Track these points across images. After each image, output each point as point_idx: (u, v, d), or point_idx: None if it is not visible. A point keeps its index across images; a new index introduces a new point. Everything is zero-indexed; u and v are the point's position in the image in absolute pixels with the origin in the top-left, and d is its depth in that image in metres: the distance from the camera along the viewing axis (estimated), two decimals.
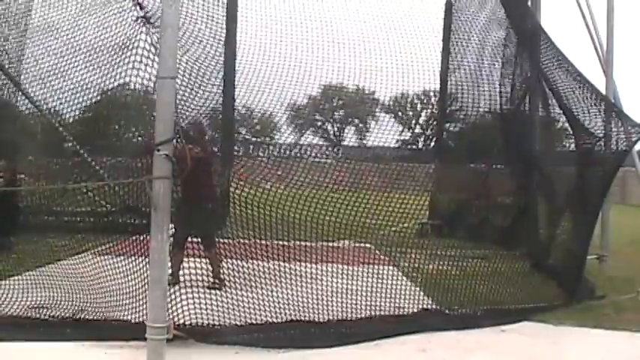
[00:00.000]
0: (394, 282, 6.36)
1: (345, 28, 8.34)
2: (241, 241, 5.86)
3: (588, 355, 5.42)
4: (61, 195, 8.18)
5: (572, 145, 7.62)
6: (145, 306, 4.74)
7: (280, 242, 5.98)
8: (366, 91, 11.46)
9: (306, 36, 8.12)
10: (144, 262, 5.01)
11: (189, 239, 6.68)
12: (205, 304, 5.26)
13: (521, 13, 7.63)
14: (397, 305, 6.13)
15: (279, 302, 5.65)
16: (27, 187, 8.78)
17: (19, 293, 5.74)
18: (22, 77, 7.29)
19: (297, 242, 6.10)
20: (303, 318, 5.57)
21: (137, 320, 5.00)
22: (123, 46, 5.86)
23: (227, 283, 6.19)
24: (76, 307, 5.43)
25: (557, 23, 7.41)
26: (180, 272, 6.39)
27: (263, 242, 5.88)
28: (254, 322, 5.38)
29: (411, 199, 6.75)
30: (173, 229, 5.68)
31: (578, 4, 9.11)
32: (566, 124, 7.47)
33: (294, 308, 5.64)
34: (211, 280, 6.44)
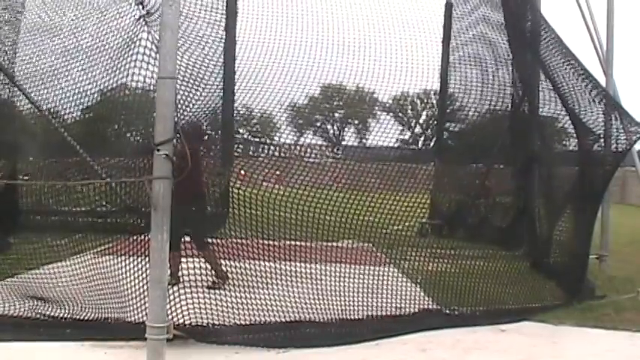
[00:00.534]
0: (394, 282, 6.36)
1: (345, 28, 8.35)
2: (241, 241, 5.86)
3: (588, 354, 5.42)
4: (62, 194, 8.19)
5: (573, 144, 7.61)
6: (145, 306, 4.75)
7: (280, 242, 5.98)
8: (366, 91, 11.47)
9: (306, 36, 8.13)
10: (144, 262, 5.01)
11: (184, 239, 6.66)
12: (205, 304, 5.25)
13: (521, 11, 7.62)
14: (397, 305, 6.13)
15: (279, 302, 5.65)
16: (27, 182, 8.78)
17: (19, 293, 5.74)
18: (23, 77, 7.30)
19: (297, 242, 6.10)
20: (303, 318, 5.57)
21: (137, 320, 5.00)
22: (125, 46, 5.88)
23: (227, 281, 6.18)
24: (76, 307, 5.42)
25: (557, 23, 7.38)
26: (180, 272, 6.41)
27: (263, 242, 5.88)
28: (254, 322, 5.37)
29: (411, 199, 6.75)
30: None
31: (578, 4, 9.10)
32: (568, 123, 7.45)
33: (295, 308, 5.64)
34: (212, 279, 6.44)
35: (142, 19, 5.65)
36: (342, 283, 6.02)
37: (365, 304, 5.93)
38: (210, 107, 7.46)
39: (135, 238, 5.51)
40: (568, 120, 7.41)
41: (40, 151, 8.71)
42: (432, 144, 15.26)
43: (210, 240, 6.50)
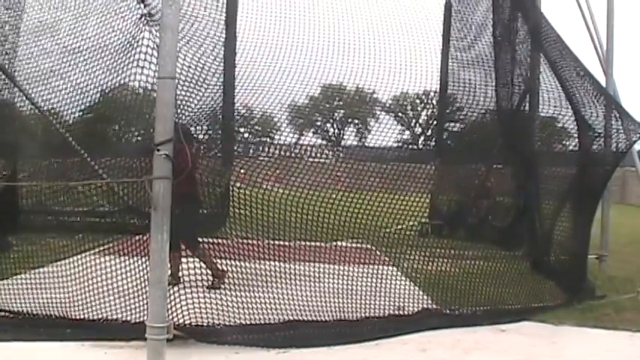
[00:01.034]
0: (394, 282, 6.36)
1: (346, 28, 8.34)
2: (241, 241, 5.86)
3: (588, 354, 5.42)
4: (62, 194, 8.19)
5: (573, 144, 7.61)
6: (145, 306, 4.75)
7: (280, 242, 5.98)
8: (366, 91, 11.47)
9: (306, 36, 8.13)
10: (144, 263, 5.02)
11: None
12: (205, 304, 5.25)
13: (522, 10, 7.61)
14: (398, 305, 6.13)
15: (279, 302, 5.65)
16: (27, 184, 8.77)
17: (19, 293, 5.74)
18: (23, 78, 7.30)
19: (297, 242, 6.09)
20: (303, 318, 5.57)
21: (137, 320, 5.00)
22: (128, 45, 5.88)
23: (227, 279, 6.17)
24: (76, 307, 5.42)
25: (557, 23, 7.39)
26: (180, 272, 6.41)
27: (263, 242, 5.88)
28: (254, 322, 5.38)
29: (411, 199, 6.74)
30: None
31: (578, 4, 9.11)
32: (568, 122, 7.45)
33: (295, 308, 5.64)
34: (210, 279, 6.44)
35: (143, 18, 5.66)
36: (342, 283, 6.02)
37: (365, 304, 5.93)
38: (210, 107, 7.46)
39: (135, 238, 5.51)
40: (568, 119, 7.41)
41: (40, 152, 8.71)
42: (432, 144, 15.25)
43: (203, 240, 6.47)
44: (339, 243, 6.60)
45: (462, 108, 10.71)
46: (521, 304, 6.59)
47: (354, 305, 5.88)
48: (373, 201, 6.38)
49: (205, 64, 5.96)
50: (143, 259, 5.07)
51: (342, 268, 6.24)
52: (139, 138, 8.57)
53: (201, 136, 6.90)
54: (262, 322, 5.40)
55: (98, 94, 7.18)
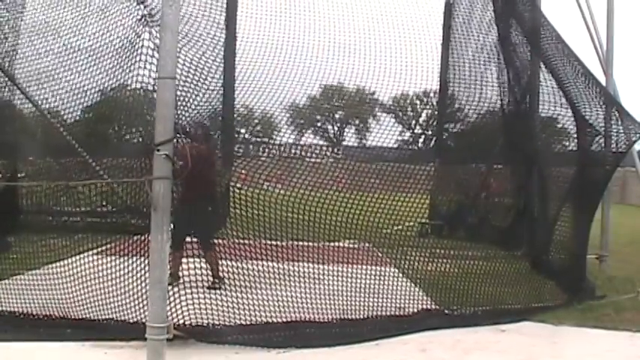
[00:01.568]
0: (394, 282, 6.35)
1: (346, 28, 8.35)
2: (242, 241, 5.86)
3: (588, 354, 5.42)
4: (62, 195, 8.19)
5: (573, 144, 7.61)
6: (145, 306, 4.75)
7: (280, 242, 5.98)
8: (366, 91, 11.48)
9: (306, 36, 8.13)
10: (144, 263, 5.02)
11: (188, 239, 6.67)
12: (205, 304, 5.25)
13: (522, 9, 7.61)
14: (398, 305, 6.13)
15: (279, 302, 5.65)
16: (27, 184, 8.77)
17: (19, 293, 5.74)
18: (23, 78, 7.30)
19: (297, 242, 6.09)
20: (303, 318, 5.57)
21: (137, 320, 5.00)
22: (128, 45, 5.88)
23: (227, 281, 6.18)
24: (76, 307, 5.42)
25: (557, 23, 7.39)
26: (180, 272, 6.41)
27: (263, 242, 5.88)
28: (254, 322, 5.38)
29: (411, 199, 6.75)
30: (171, 229, 5.65)
31: (578, 4, 9.11)
32: (568, 122, 7.45)
33: (295, 308, 5.64)
34: (211, 279, 6.44)
35: (143, 19, 5.66)
36: (342, 284, 6.02)
37: (365, 304, 5.93)
38: (211, 107, 7.46)
39: (135, 238, 5.51)
40: (569, 118, 7.41)
41: (40, 152, 8.71)
42: (432, 144, 15.26)
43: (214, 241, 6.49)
44: (339, 243, 6.59)
45: (462, 108, 10.72)
46: (521, 304, 6.59)
47: (354, 305, 5.88)
48: (373, 201, 6.38)
49: (205, 64, 5.96)
50: (143, 259, 5.07)
51: (342, 268, 6.24)
52: (140, 138, 8.58)
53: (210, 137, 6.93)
54: (262, 322, 5.40)
55: (98, 95, 7.18)
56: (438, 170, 10.96)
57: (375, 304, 5.98)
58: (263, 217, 5.69)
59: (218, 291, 5.88)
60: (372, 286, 6.12)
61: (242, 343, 5.07)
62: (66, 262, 5.91)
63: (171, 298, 4.96)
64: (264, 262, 6.00)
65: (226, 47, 7.96)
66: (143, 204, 5.91)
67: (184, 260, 6.53)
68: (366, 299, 5.97)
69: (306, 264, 6.24)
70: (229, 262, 6.00)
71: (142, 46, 5.28)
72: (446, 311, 6.26)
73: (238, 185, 5.93)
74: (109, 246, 6.92)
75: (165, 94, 4.37)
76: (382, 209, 6.42)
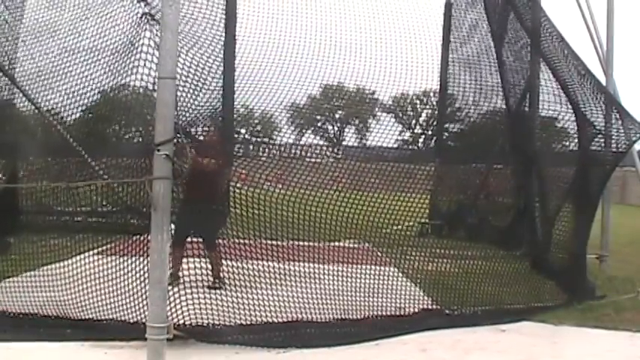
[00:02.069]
0: (394, 282, 6.35)
1: (346, 28, 8.35)
2: (242, 241, 5.86)
3: (588, 354, 5.42)
4: (62, 194, 8.18)
5: (573, 144, 7.61)
6: (145, 306, 4.75)
7: (280, 242, 5.98)
8: (366, 92, 11.48)
9: (306, 36, 8.14)
10: (144, 263, 5.01)
11: (190, 239, 6.67)
12: (205, 304, 5.25)
13: (522, 9, 7.61)
14: (398, 305, 6.13)
15: (279, 302, 5.65)
16: (27, 185, 8.77)
17: (19, 293, 5.74)
18: (23, 78, 7.30)
19: (297, 242, 6.09)
20: (303, 318, 5.57)
21: (137, 320, 5.00)
22: (129, 45, 5.88)
23: (227, 282, 6.18)
24: (76, 308, 5.42)
25: (557, 23, 7.39)
26: (180, 272, 6.40)
27: (263, 242, 5.88)
28: (254, 322, 5.38)
29: (411, 199, 6.75)
30: (173, 229, 5.65)
31: (578, 4, 9.11)
32: (568, 122, 7.45)
33: (295, 308, 5.64)
34: (211, 279, 6.44)
35: (144, 18, 5.66)
36: (342, 283, 6.02)
37: (365, 304, 5.93)
38: (211, 107, 7.46)
39: (135, 238, 5.51)
40: (569, 117, 7.40)
41: (40, 152, 8.70)
42: (432, 144, 15.26)
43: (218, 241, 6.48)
44: (339, 243, 6.59)
45: (462, 108, 10.72)
46: (521, 304, 6.59)
47: (354, 305, 5.87)
48: (373, 201, 6.38)
49: (206, 64, 5.96)
50: (143, 260, 5.07)
51: (342, 268, 6.24)
52: (141, 138, 8.58)
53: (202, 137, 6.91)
54: (262, 322, 5.40)
55: (99, 95, 7.18)
56: (438, 170, 10.96)
57: (375, 304, 5.98)
58: (263, 217, 5.68)
59: (218, 291, 5.88)
60: (372, 286, 6.12)
61: (242, 343, 5.06)
62: (66, 262, 5.91)
63: (172, 298, 4.95)
64: (265, 262, 6.00)
65: (226, 47, 7.97)
66: (143, 204, 5.91)
67: (184, 260, 6.53)
68: (366, 299, 5.97)
69: (306, 264, 6.24)
70: (229, 262, 6.00)
71: (143, 44, 5.28)
72: (446, 311, 6.26)
73: (238, 185, 5.93)
74: (109, 246, 6.92)
75: (165, 94, 4.37)
76: (382, 209, 6.42)
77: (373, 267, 6.47)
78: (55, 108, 7.18)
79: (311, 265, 6.26)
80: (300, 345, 5.18)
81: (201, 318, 5.16)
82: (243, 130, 11.39)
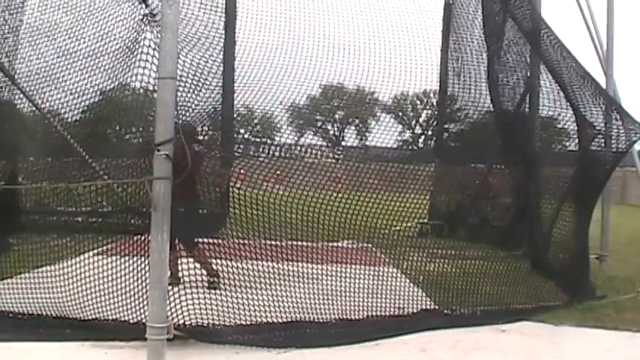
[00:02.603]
0: (394, 282, 6.35)
1: (346, 29, 8.35)
2: (242, 241, 5.86)
3: (588, 354, 5.42)
4: (62, 195, 8.19)
5: (573, 144, 7.61)
6: (145, 306, 4.75)
7: (281, 242, 5.98)
8: (366, 92, 11.49)
9: (306, 36, 8.14)
10: (144, 263, 5.02)
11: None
12: (205, 304, 5.25)
13: (521, 10, 7.62)
14: (398, 305, 6.14)
15: (279, 302, 5.65)
16: (27, 186, 8.77)
17: (19, 293, 5.74)
18: (24, 78, 7.31)
19: (298, 242, 6.09)
20: (303, 318, 5.57)
21: (137, 320, 5.00)
22: (130, 45, 5.89)
23: (225, 280, 6.16)
24: (76, 308, 5.42)
25: (557, 23, 7.39)
26: (180, 272, 6.39)
27: (263, 242, 5.88)
28: (254, 322, 5.38)
29: (411, 199, 6.75)
30: None
31: (578, 4, 9.11)
32: (568, 122, 7.45)
33: (295, 308, 5.64)
34: (208, 279, 6.43)
35: (145, 19, 5.67)
36: (342, 284, 6.02)
37: (365, 304, 5.93)
38: (211, 107, 7.47)
39: (135, 238, 5.51)
40: (569, 118, 7.41)
41: (40, 152, 8.71)
42: (432, 144, 15.26)
43: (200, 241, 6.44)
44: (339, 243, 6.59)
45: (462, 108, 10.72)
46: (521, 304, 6.59)
47: (354, 305, 5.88)
48: (373, 201, 6.38)
49: (206, 64, 5.97)
50: (143, 260, 5.07)
51: (342, 268, 6.24)
52: (140, 138, 8.58)
53: (200, 137, 6.90)
54: (262, 322, 5.40)
55: (99, 95, 7.19)
56: (437, 170, 10.96)
57: (375, 304, 5.98)
58: (263, 217, 5.68)
59: (218, 291, 5.88)
60: (372, 286, 6.12)
61: (242, 343, 5.07)
62: (66, 262, 5.91)
63: (172, 298, 4.96)
64: (265, 263, 6.00)
65: (226, 47, 7.97)
66: (143, 204, 5.90)
67: (184, 260, 6.52)
68: (366, 299, 5.97)
69: (306, 264, 6.24)
70: (230, 263, 6.00)
71: (143, 45, 5.29)
72: (446, 311, 6.26)
73: (238, 185, 5.93)
74: (108, 246, 6.92)
75: (165, 94, 4.37)
76: (382, 209, 6.42)
77: (373, 267, 6.47)
78: (55, 108, 7.19)
79: (311, 265, 6.26)
80: (300, 345, 5.18)
81: (201, 318, 5.16)
82: (242, 130, 11.39)
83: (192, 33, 5.96)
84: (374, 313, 5.89)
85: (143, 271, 5.05)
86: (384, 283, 6.25)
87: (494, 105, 8.66)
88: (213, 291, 5.85)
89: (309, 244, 6.19)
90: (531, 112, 8.32)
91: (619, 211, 13.01)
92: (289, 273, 6.07)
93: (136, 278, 5.18)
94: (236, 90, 8.51)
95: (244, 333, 5.19)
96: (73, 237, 6.76)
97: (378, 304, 5.99)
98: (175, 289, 5.31)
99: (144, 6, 5.73)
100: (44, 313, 5.45)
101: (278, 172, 6.57)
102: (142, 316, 4.85)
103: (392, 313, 6.00)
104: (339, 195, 6.30)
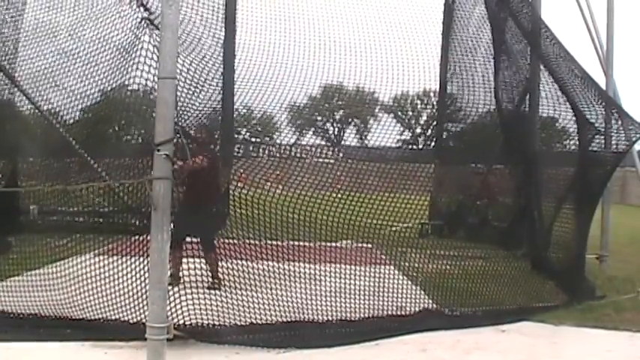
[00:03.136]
0: (394, 282, 6.35)
1: (346, 28, 8.35)
2: (242, 241, 5.86)
3: (588, 354, 5.42)
4: (61, 195, 8.18)
5: (573, 144, 7.61)
6: (145, 306, 4.75)
7: (281, 242, 5.97)
8: (366, 91, 11.48)
9: (306, 36, 8.13)
10: (144, 263, 5.02)
11: (189, 239, 6.66)
12: (205, 304, 5.25)
13: (521, 10, 7.63)
14: (398, 305, 6.14)
15: (279, 302, 5.65)
16: (27, 188, 8.78)
17: (18, 293, 5.74)
18: (24, 78, 7.30)
19: (298, 242, 6.09)
20: (303, 318, 5.57)
21: (137, 320, 5.00)
22: (128, 48, 5.89)
23: (225, 283, 6.18)
24: (76, 308, 5.42)
25: (557, 23, 7.40)
26: (180, 273, 6.40)
27: (264, 242, 5.88)
28: (254, 322, 5.38)
29: (411, 199, 6.75)
30: (171, 229, 5.65)
31: (578, 4, 9.12)
32: (568, 122, 7.46)
33: (295, 308, 5.64)
34: (210, 280, 6.43)
35: (143, 22, 5.67)
36: (342, 284, 6.02)
37: (365, 304, 5.93)
38: (210, 107, 7.46)
39: (135, 238, 5.51)
40: (569, 118, 7.41)
41: (40, 152, 8.71)
42: (432, 144, 15.26)
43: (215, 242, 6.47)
44: (339, 243, 6.59)
45: (462, 108, 10.72)
46: (521, 304, 6.59)
47: (354, 305, 5.87)
48: (373, 201, 6.38)
49: (206, 64, 5.97)
50: (143, 260, 5.07)
51: (342, 268, 6.24)
52: (140, 138, 8.57)
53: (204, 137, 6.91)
54: (262, 322, 5.40)
55: (99, 96, 7.19)
56: (437, 170, 10.96)
57: (375, 304, 5.98)
58: (263, 217, 5.68)
59: (218, 291, 5.88)
60: (372, 287, 6.11)
61: (242, 343, 5.07)
62: (65, 262, 5.91)
63: (171, 298, 4.96)
64: (265, 263, 6.00)
65: (226, 47, 7.97)
66: (143, 204, 5.91)
67: (184, 260, 6.52)
68: (366, 299, 5.97)
69: (306, 264, 6.24)
70: (229, 263, 6.00)
71: (142, 48, 5.29)
72: (446, 311, 6.26)
73: (238, 185, 5.93)
74: (108, 246, 6.92)
75: (165, 94, 4.37)
76: (382, 209, 6.42)
77: (373, 267, 6.46)
78: (55, 108, 7.19)
79: (311, 265, 6.26)
80: (300, 345, 5.18)
81: (201, 318, 5.16)
82: (243, 130, 11.39)
83: (193, 33, 5.96)
84: (374, 313, 5.89)
85: (143, 271, 5.06)
86: (384, 283, 6.24)
87: (495, 105, 8.67)
88: (213, 291, 5.85)
89: (309, 244, 6.18)
90: (531, 111, 8.32)
91: (619, 211, 13.02)
92: (289, 273, 6.06)
93: (136, 278, 5.18)
94: (236, 90, 8.50)
95: (244, 333, 5.19)
96: (73, 237, 6.77)
97: (378, 304, 5.99)
98: (175, 289, 5.32)
99: (142, 9, 5.73)
100: (44, 313, 5.44)
101: (277, 172, 6.57)
102: (142, 316, 4.84)
103: (392, 313, 6.00)
104: (339, 195, 6.30)
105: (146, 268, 4.87)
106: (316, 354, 5.09)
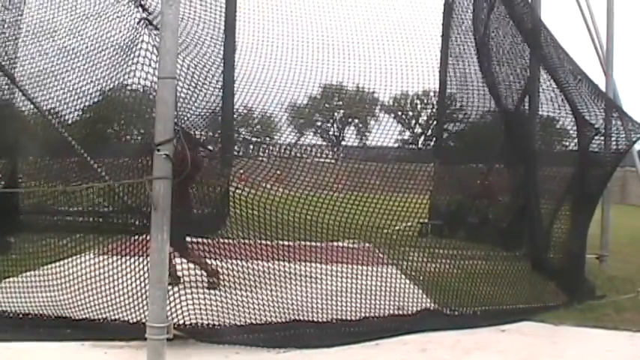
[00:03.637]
0: (394, 282, 6.35)
1: (346, 28, 8.36)
2: (242, 241, 5.86)
3: (588, 354, 5.42)
4: (61, 195, 8.17)
5: (573, 144, 7.61)
6: (145, 306, 4.75)
7: (281, 242, 5.97)
8: (366, 91, 11.48)
9: (306, 36, 8.14)
10: (144, 263, 5.01)
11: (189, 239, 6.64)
12: (205, 304, 5.25)
13: (521, 10, 7.62)
14: (398, 305, 6.13)
15: (279, 302, 5.65)
16: (28, 188, 8.77)
17: (18, 293, 5.74)
18: (24, 78, 7.30)
19: (298, 242, 6.09)
20: (303, 318, 5.57)
21: (137, 320, 5.00)
22: (126, 48, 5.89)
23: (225, 283, 6.16)
24: (76, 308, 5.42)
25: (557, 23, 7.41)
26: (179, 273, 6.39)
27: (264, 242, 5.87)
28: (254, 321, 5.38)
29: (411, 199, 6.74)
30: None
31: (578, 4, 9.11)
32: (568, 121, 7.46)
33: (295, 308, 5.64)
34: (207, 279, 6.42)
35: (142, 22, 5.67)
36: (342, 284, 6.01)
37: (365, 304, 5.93)
38: (210, 107, 7.46)
39: (135, 238, 5.51)
40: (568, 117, 7.41)
41: (39, 152, 8.69)
42: (432, 144, 15.24)
43: (189, 241, 6.40)
44: (338, 243, 6.59)
45: (462, 108, 10.71)
46: (521, 304, 6.59)
47: (354, 305, 5.87)
48: (373, 201, 6.38)
49: (206, 64, 5.97)
50: (143, 259, 5.07)
51: (342, 268, 6.24)
52: (139, 138, 8.57)
53: (198, 137, 6.89)
54: (262, 322, 5.40)
55: (99, 96, 7.18)
56: (437, 170, 10.95)
57: (375, 304, 5.97)
58: (262, 217, 5.68)
59: (218, 291, 5.88)
60: (372, 286, 6.11)
61: (242, 343, 5.07)
62: (65, 262, 5.91)
63: (171, 298, 4.96)
64: (265, 263, 6.00)
65: (226, 47, 7.97)
66: (143, 204, 5.90)
67: (183, 260, 6.51)
68: (366, 299, 5.97)
69: (305, 264, 6.24)
70: (230, 263, 5.99)
71: (141, 48, 5.29)
72: (446, 311, 6.26)
73: (237, 185, 5.93)
74: (108, 246, 6.91)
75: (165, 94, 4.37)
76: (382, 209, 6.42)
77: (373, 267, 6.46)
78: (55, 108, 7.18)
79: (311, 265, 6.25)
80: (300, 345, 5.18)
81: (201, 318, 5.16)
82: (242, 130, 11.39)
83: (193, 33, 5.96)
84: (374, 313, 5.89)
85: (143, 271, 5.05)
86: (384, 283, 6.24)
87: (496, 104, 8.66)
88: (213, 291, 5.85)
89: (309, 244, 6.18)
90: (531, 111, 8.32)
91: (619, 211, 13.01)
92: (289, 273, 6.06)
93: (135, 278, 5.18)
94: (236, 90, 8.51)
95: (244, 333, 5.20)
96: (72, 237, 6.76)
97: (378, 304, 5.99)
98: (175, 289, 5.31)
99: (140, 10, 5.73)
100: (44, 313, 5.44)
101: (277, 172, 6.57)
102: (142, 316, 4.84)
103: (392, 313, 6.00)
104: (339, 194, 6.30)
105: (146, 268, 4.87)
106: (316, 354, 5.09)
